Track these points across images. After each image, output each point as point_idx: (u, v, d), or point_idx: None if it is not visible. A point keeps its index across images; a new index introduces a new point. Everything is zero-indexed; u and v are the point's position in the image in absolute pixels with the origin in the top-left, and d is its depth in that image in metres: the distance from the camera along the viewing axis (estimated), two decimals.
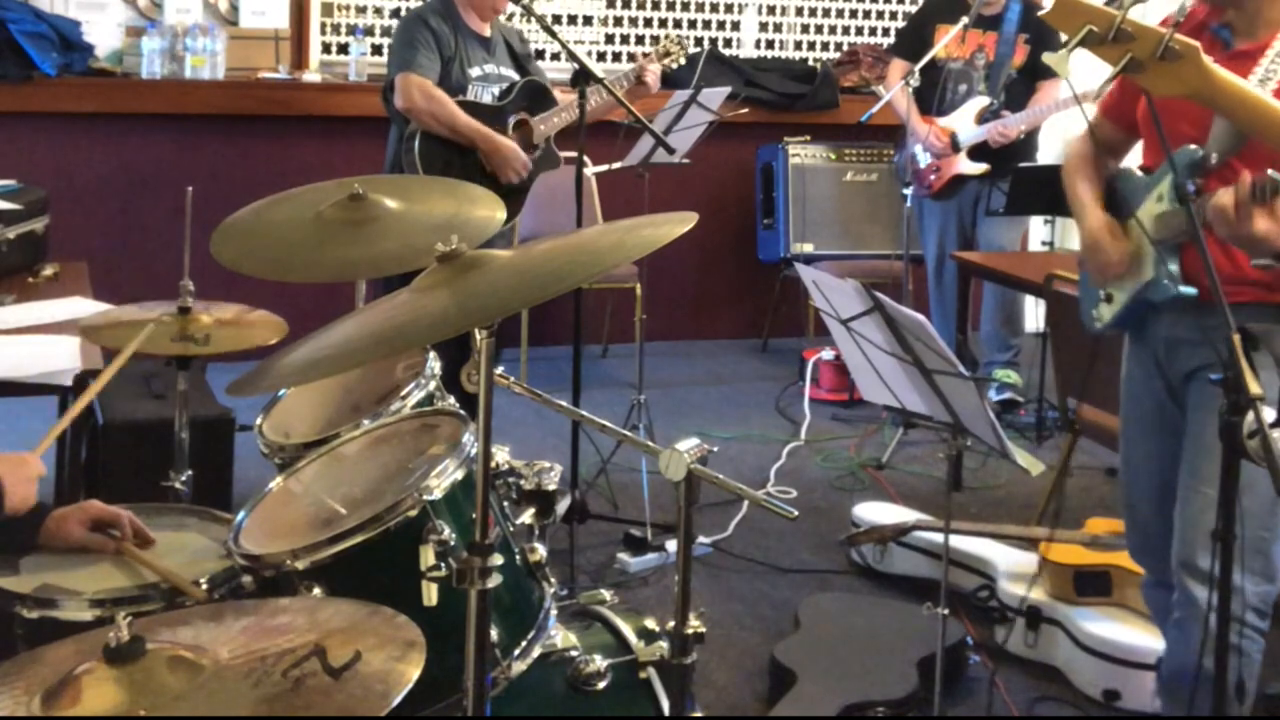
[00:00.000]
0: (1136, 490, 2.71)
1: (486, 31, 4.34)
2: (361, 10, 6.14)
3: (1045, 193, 4.85)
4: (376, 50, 6.03)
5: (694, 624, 1.91)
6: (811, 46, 6.94)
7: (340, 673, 1.42)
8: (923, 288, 5.78)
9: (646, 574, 3.88)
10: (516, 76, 4.36)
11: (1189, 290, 2.40)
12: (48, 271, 3.71)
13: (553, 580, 2.14)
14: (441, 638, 1.68)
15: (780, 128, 6.44)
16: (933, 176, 5.43)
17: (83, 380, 2.81)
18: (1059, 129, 5.63)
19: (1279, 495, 1.81)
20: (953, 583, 3.29)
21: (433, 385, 2.48)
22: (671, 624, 1.93)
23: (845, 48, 6.94)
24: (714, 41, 6.69)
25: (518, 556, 2.07)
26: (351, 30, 6.04)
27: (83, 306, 3.27)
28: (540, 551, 2.11)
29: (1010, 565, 3.62)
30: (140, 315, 2.64)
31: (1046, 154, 5.64)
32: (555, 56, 4.52)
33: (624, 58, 6.58)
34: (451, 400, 2.48)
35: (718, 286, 6.72)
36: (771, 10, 6.86)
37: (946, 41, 5.16)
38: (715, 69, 6.33)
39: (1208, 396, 2.40)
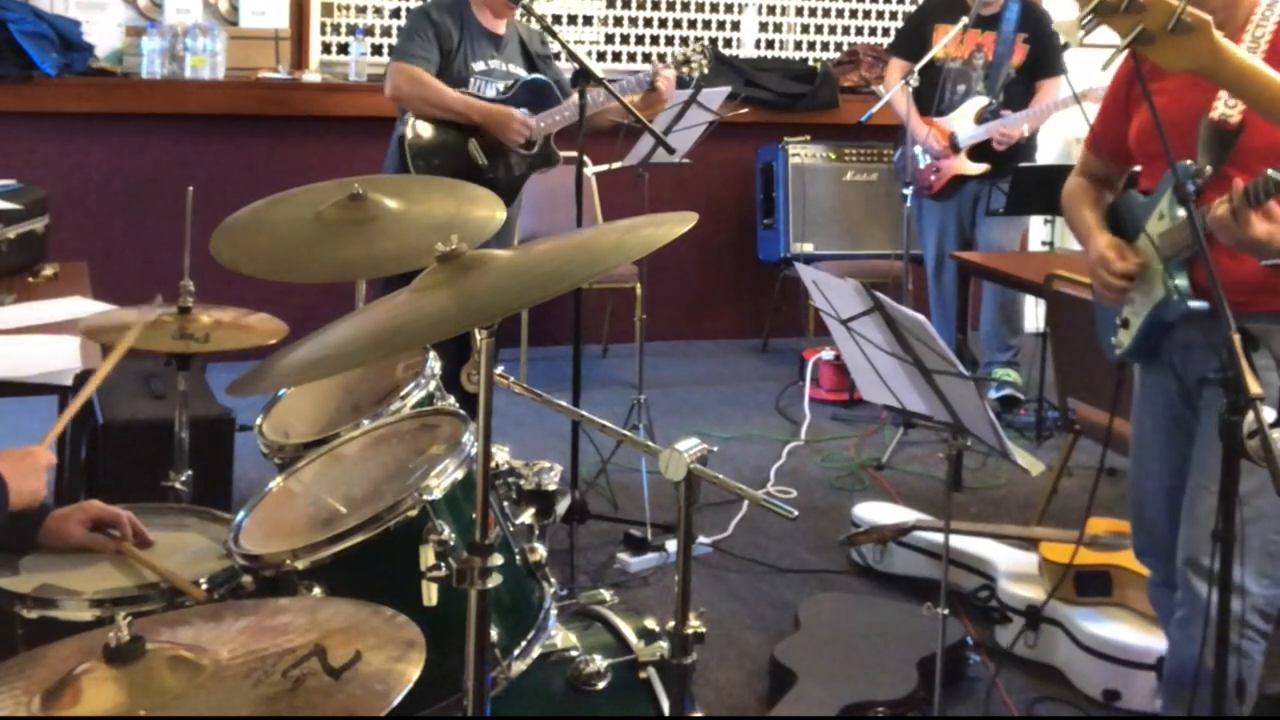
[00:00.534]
0: (1145, 490, 2.71)
1: (500, 29, 4.33)
2: (361, 10, 6.14)
3: (1045, 192, 4.85)
4: (377, 50, 6.03)
5: (694, 624, 1.91)
6: (811, 46, 6.94)
7: (340, 673, 1.42)
8: (923, 288, 5.78)
9: (646, 574, 3.88)
10: (525, 75, 4.35)
11: (1199, 304, 2.41)
12: (48, 271, 3.71)
13: (553, 580, 2.14)
14: (441, 638, 1.68)
15: (780, 128, 6.44)
16: (932, 176, 5.43)
17: (83, 380, 2.81)
18: (1059, 129, 5.64)
19: (1279, 495, 1.81)
20: (953, 583, 3.29)
21: (433, 385, 2.48)
22: (671, 624, 1.92)
23: (845, 48, 6.94)
24: (714, 41, 6.69)
25: (518, 556, 2.07)
26: (351, 30, 6.04)
27: (83, 306, 3.27)
28: (540, 551, 2.11)
29: (1010, 565, 3.62)
30: (141, 316, 2.64)
31: (1046, 154, 5.65)
32: (556, 57, 4.51)
33: (624, 58, 6.58)
34: (451, 400, 2.48)
35: (718, 286, 6.72)
36: (771, 10, 6.86)
37: (946, 42, 5.16)
38: (715, 69, 6.32)
39: (1219, 399, 2.40)
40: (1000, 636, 3.51)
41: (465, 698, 1.80)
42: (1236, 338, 1.92)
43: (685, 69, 4.46)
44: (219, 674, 1.44)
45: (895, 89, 5.19)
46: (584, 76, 3.83)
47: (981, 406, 2.53)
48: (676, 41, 6.65)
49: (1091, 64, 2.48)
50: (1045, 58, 5.39)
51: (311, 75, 5.95)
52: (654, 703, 2.18)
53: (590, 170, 4.73)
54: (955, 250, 5.40)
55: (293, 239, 2.47)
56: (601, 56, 6.55)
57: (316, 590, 1.92)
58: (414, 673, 1.46)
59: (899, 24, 6.76)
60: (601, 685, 2.17)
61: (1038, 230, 6.56)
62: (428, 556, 1.91)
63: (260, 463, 2.55)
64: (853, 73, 6.75)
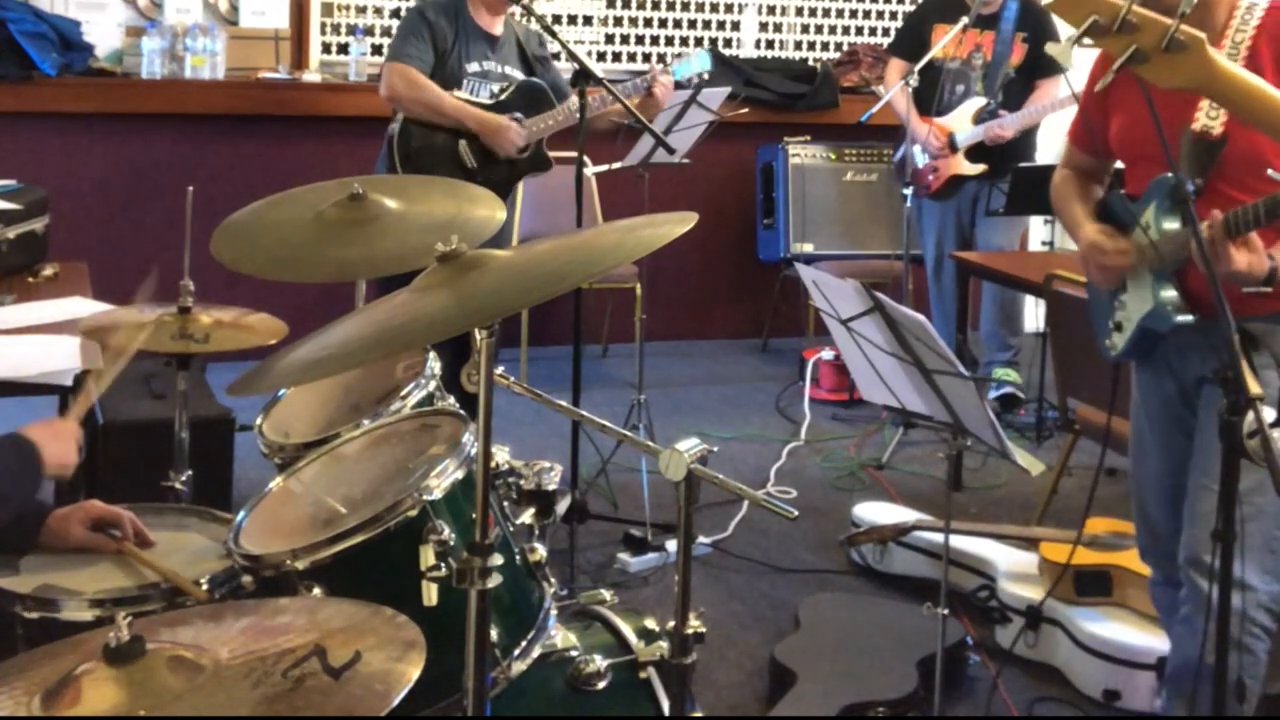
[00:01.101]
0: (1147, 490, 2.71)
1: (496, 30, 4.31)
2: (361, 10, 6.14)
3: (1044, 193, 4.82)
4: (376, 50, 6.02)
5: (694, 624, 1.91)
6: (811, 46, 6.94)
7: (340, 673, 1.42)
8: (923, 288, 5.78)
9: (646, 574, 3.88)
10: (522, 76, 4.32)
11: (1187, 318, 2.43)
12: (48, 271, 3.71)
13: (553, 580, 2.14)
14: (441, 638, 1.68)
15: (780, 128, 6.44)
16: (931, 176, 5.43)
17: (83, 380, 2.81)
18: (1059, 129, 5.63)
19: (1279, 494, 1.81)
20: (953, 583, 3.29)
21: (433, 385, 2.48)
22: (671, 624, 1.92)
23: (845, 48, 6.94)
24: (714, 41, 6.69)
25: (518, 556, 2.07)
26: (351, 30, 6.04)
27: (83, 306, 3.27)
28: (540, 551, 2.11)
29: (1010, 565, 3.62)
30: (140, 316, 2.64)
31: (1045, 154, 5.64)
32: (555, 57, 4.51)
33: (624, 58, 6.58)
34: (451, 400, 2.48)
35: (718, 286, 6.72)
36: (771, 10, 6.86)
37: (946, 42, 5.16)
38: (715, 69, 6.31)
39: (1218, 399, 2.40)
40: (1000, 637, 3.51)
41: (465, 698, 1.80)
42: (1236, 338, 1.93)
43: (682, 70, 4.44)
44: (219, 674, 1.44)
45: (895, 89, 5.19)
46: (584, 77, 3.82)
47: (981, 406, 2.53)
48: (676, 42, 6.65)
49: (1091, 65, 2.48)
50: (1044, 57, 5.38)
51: (311, 75, 5.95)
52: (654, 703, 2.17)
53: (590, 170, 4.73)
54: (955, 250, 5.40)
55: (293, 239, 2.47)
56: (601, 57, 6.55)
57: (316, 590, 1.92)
58: (414, 673, 1.46)
59: (899, 24, 6.76)
60: (601, 685, 2.17)
61: (1037, 230, 6.56)
62: (428, 556, 1.91)
63: (260, 463, 2.55)
64: (853, 73, 6.76)
